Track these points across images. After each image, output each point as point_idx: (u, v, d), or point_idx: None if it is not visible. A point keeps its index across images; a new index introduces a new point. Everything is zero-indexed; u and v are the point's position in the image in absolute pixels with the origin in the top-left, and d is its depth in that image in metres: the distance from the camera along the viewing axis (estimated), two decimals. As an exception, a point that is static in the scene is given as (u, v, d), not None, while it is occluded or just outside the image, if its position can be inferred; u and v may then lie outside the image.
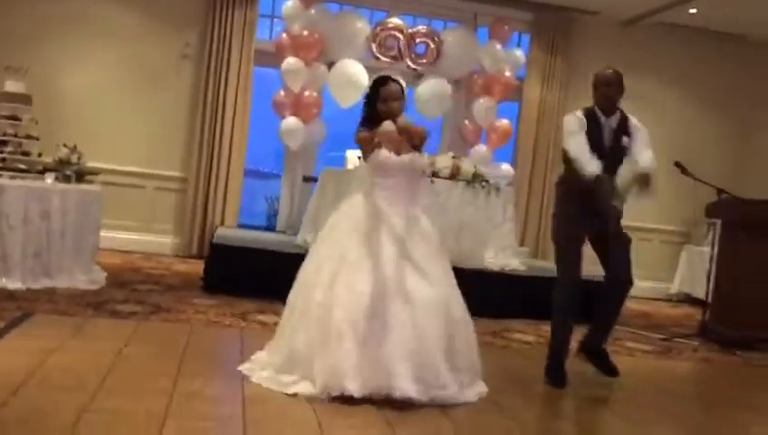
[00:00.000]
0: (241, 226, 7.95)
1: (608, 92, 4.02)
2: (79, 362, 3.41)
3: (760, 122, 8.83)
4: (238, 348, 3.93)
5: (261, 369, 3.42)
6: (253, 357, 3.59)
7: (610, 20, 8.33)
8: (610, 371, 4.20)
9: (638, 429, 3.51)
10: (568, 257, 4.09)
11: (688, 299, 8.36)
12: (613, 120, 4.04)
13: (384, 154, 3.63)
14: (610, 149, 3.99)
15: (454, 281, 3.67)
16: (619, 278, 4.13)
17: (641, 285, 8.38)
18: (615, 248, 4.13)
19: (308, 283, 3.47)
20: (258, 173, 8.77)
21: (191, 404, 3.01)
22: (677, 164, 6.08)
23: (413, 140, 3.68)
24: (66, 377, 3.15)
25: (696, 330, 5.97)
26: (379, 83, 3.74)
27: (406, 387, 3.19)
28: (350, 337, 3.22)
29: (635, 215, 8.34)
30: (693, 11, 7.79)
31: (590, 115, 4.05)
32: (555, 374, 4.02)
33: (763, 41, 8.59)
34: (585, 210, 3.99)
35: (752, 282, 5.72)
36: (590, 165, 3.84)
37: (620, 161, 3.95)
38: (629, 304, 7.57)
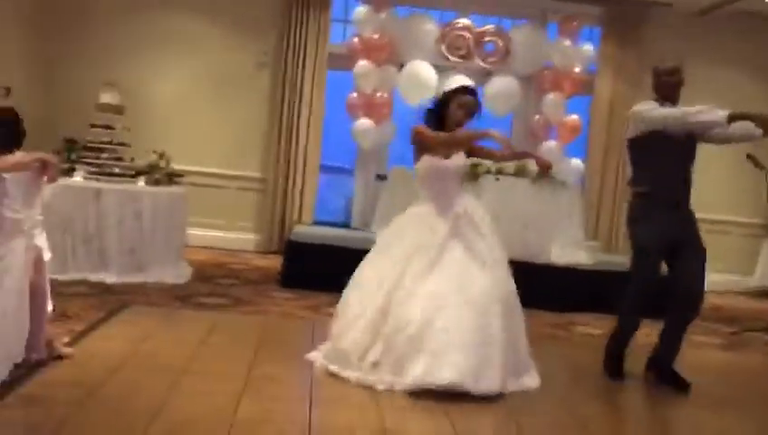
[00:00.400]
0: (318, 222, 8.28)
1: (670, 80, 3.96)
2: (167, 348, 3.80)
3: None
4: (309, 337, 4.22)
5: (324, 357, 3.71)
6: (320, 346, 3.88)
7: (684, 11, 8.22)
8: (682, 387, 3.97)
9: (694, 420, 3.59)
10: (646, 265, 4.00)
11: (768, 293, 8.19)
12: None
13: (433, 160, 3.82)
14: (685, 139, 3.90)
15: (508, 274, 3.83)
16: (691, 293, 4.00)
17: (719, 278, 8.39)
18: (690, 259, 3.99)
19: (365, 286, 3.72)
20: (339, 169, 9.10)
21: (263, 386, 3.33)
22: (750, 156, 6.05)
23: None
24: (156, 361, 3.54)
25: (768, 324, 5.92)
26: (457, 90, 3.88)
27: (483, 384, 3.37)
28: (411, 338, 3.44)
29: (715, 207, 8.31)
30: (769, -1, 7.63)
31: (658, 105, 3.95)
32: (614, 366, 4.05)
33: None
34: (666, 213, 3.93)
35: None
36: (715, 114, 3.68)
37: (694, 149, 3.97)
38: (708, 298, 7.55)
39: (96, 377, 3.20)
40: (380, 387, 3.40)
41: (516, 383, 3.65)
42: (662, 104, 3.95)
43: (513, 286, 3.84)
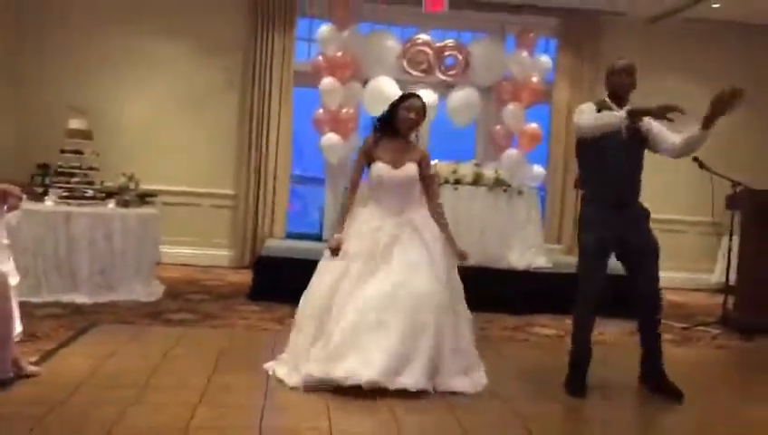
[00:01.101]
0: (293, 235, 8.48)
1: (619, 80, 4.01)
2: (131, 364, 3.98)
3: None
4: (271, 348, 4.41)
5: (280, 366, 3.93)
6: (278, 356, 4.08)
7: (636, 20, 8.52)
8: (673, 396, 3.99)
9: (622, 412, 3.82)
10: (589, 265, 4.05)
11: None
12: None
13: (381, 168, 4.07)
14: (628, 140, 3.93)
15: (455, 278, 4.06)
16: (648, 295, 4.09)
17: (681, 277, 8.67)
18: (642, 261, 4.06)
19: (314, 291, 3.96)
20: (315, 180, 9.35)
21: (220, 395, 3.53)
22: (695, 159, 6.29)
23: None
24: (118, 377, 3.73)
25: (719, 319, 6.16)
26: (403, 98, 4.18)
27: (402, 380, 3.61)
28: (350, 337, 3.67)
29: (672, 207, 8.60)
30: (716, 5, 7.93)
31: (601, 105, 4.04)
32: (575, 386, 4.00)
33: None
34: (609, 216, 3.98)
35: (771, 270, 5.88)
36: (613, 115, 3.82)
37: (640, 151, 4.04)
38: (666, 295, 7.80)
39: (59, 394, 3.38)
40: (316, 375, 3.63)
41: (465, 381, 3.86)
42: (609, 104, 4.00)
43: (459, 291, 4.06)
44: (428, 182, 4.19)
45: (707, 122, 3.80)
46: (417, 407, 3.54)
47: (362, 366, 3.60)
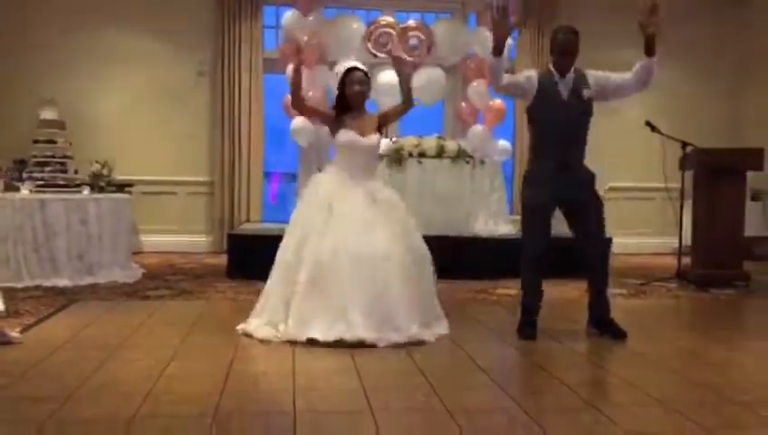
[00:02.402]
0: (268, 221, 8.68)
1: (564, 55, 4.16)
2: (109, 331, 4.20)
3: (748, 80, 9.19)
4: (245, 315, 4.63)
5: (248, 323, 4.17)
6: (249, 319, 4.30)
7: (593, -3, 8.79)
8: (616, 335, 4.24)
9: (568, 349, 4.07)
10: (533, 226, 4.27)
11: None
12: (569, 77, 4.18)
13: (351, 135, 4.30)
14: (568, 104, 4.17)
15: (417, 239, 4.30)
16: (589, 250, 4.27)
17: (645, 241, 8.96)
18: (584, 217, 4.25)
19: (280, 254, 4.20)
20: (292, 175, 9.59)
21: (193, 352, 3.77)
22: (648, 123, 6.59)
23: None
24: (95, 341, 3.94)
25: (674, 274, 6.45)
26: (345, 72, 4.38)
27: (362, 332, 3.84)
28: (313, 292, 3.91)
29: (636, 174, 8.90)
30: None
31: (545, 74, 4.23)
32: (526, 330, 4.24)
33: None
34: (552, 174, 4.17)
35: (723, 225, 6.17)
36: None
37: (585, 113, 4.21)
38: (632, 260, 8.10)
39: (41, 353, 3.61)
40: (295, 339, 3.88)
41: (424, 332, 4.09)
42: (553, 74, 4.16)
43: (424, 251, 4.30)
44: (393, 109, 4.56)
45: (648, 48, 4.13)
46: (376, 352, 3.78)
47: (345, 326, 3.84)
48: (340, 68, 4.49)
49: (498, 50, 4.05)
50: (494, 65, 4.12)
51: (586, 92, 4.19)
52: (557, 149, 4.22)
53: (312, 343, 3.85)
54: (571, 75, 4.20)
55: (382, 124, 4.49)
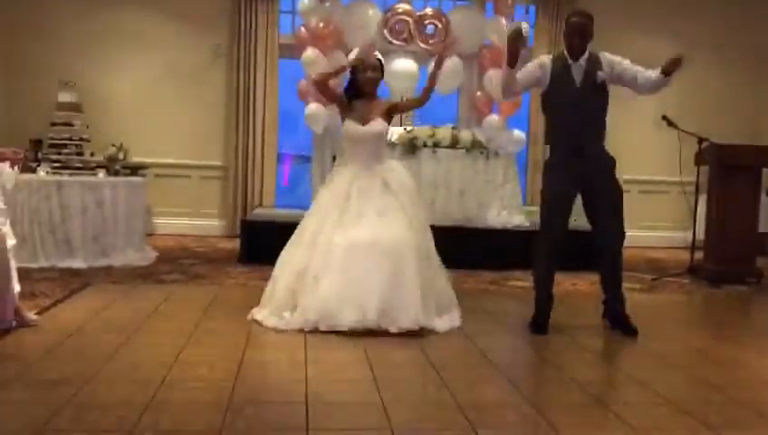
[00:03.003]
0: (282, 206, 8.72)
1: (577, 39, 4.13)
2: (123, 315, 4.26)
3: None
4: (257, 301, 4.68)
5: (258, 311, 4.22)
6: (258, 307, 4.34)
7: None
8: (627, 332, 4.23)
9: (580, 344, 4.09)
10: (549, 214, 4.23)
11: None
12: (582, 61, 4.15)
13: (351, 125, 4.32)
14: (582, 89, 4.15)
15: (425, 224, 4.32)
16: (605, 245, 4.24)
17: (663, 235, 8.94)
18: (602, 209, 4.20)
19: (293, 243, 4.24)
20: (306, 157, 9.60)
21: (206, 337, 3.81)
22: (664, 117, 6.55)
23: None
24: (110, 325, 4.00)
25: (687, 270, 6.44)
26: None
27: (374, 320, 3.87)
28: (326, 280, 3.94)
29: (650, 168, 8.85)
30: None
31: (558, 58, 4.23)
32: (538, 324, 4.24)
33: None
34: (569, 160, 4.16)
35: (737, 220, 6.15)
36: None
37: (600, 97, 4.17)
38: (646, 253, 8.09)
39: (58, 337, 3.67)
40: (306, 328, 3.91)
41: (437, 322, 4.13)
42: (566, 57, 4.15)
43: (430, 242, 4.32)
44: (407, 102, 4.79)
45: (666, 72, 4.13)
46: (388, 343, 3.81)
47: (358, 314, 3.86)
48: (354, 53, 4.50)
49: (512, 64, 4.10)
50: (507, 75, 4.16)
51: (600, 75, 4.15)
52: (573, 135, 4.20)
53: (323, 331, 3.89)
54: (584, 58, 4.16)
55: (392, 112, 4.51)
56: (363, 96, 4.41)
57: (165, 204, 8.35)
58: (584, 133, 4.22)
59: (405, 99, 4.85)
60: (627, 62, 4.26)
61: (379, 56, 4.47)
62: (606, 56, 4.22)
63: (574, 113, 4.19)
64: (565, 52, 4.22)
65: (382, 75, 4.48)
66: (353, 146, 4.39)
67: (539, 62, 4.29)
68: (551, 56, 4.37)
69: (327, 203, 4.24)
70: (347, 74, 4.52)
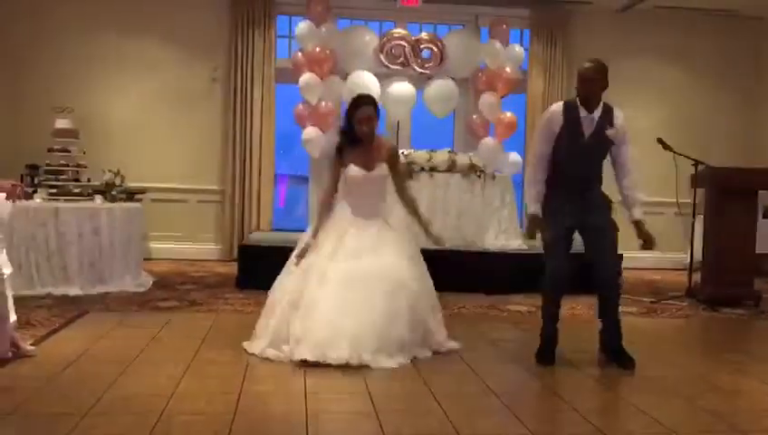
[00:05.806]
0: (279, 229, 8.70)
1: (586, 90, 4.08)
2: (120, 344, 4.23)
3: (763, 93, 9.17)
4: (253, 329, 4.64)
5: (252, 343, 4.19)
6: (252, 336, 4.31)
7: (603, 9, 8.80)
8: (624, 365, 4.16)
9: (581, 374, 4.07)
10: (552, 251, 4.22)
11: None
12: (596, 114, 4.10)
13: (356, 171, 4.29)
14: (588, 145, 4.11)
15: (419, 255, 4.34)
16: (601, 279, 4.21)
17: (660, 257, 8.93)
18: (598, 244, 4.20)
19: (285, 277, 4.26)
20: (302, 178, 9.61)
21: (205, 367, 3.78)
22: (659, 140, 6.58)
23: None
24: (108, 355, 3.97)
25: (685, 293, 6.44)
26: (353, 106, 4.30)
27: (367, 355, 3.85)
28: (317, 314, 3.93)
29: (647, 189, 8.86)
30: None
31: (571, 107, 4.14)
32: (545, 357, 4.20)
33: (755, 14, 8.94)
34: (569, 202, 4.14)
35: (734, 243, 6.16)
36: (532, 194, 4.18)
37: (604, 150, 4.14)
38: (642, 275, 8.09)
39: (55, 368, 3.64)
40: (296, 358, 3.87)
41: (425, 352, 4.14)
42: (578, 107, 4.09)
43: (425, 269, 4.32)
44: (400, 178, 4.47)
45: (634, 223, 4.24)
46: (387, 373, 3.79)
47: (350, 348, 3.82)
48: (349, 88, 4.47)
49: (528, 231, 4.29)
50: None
51: (610, 133, 4.13)
52: (576, 181, 4.19)
53: (319, 365, 3.85)
54: (598, 112, 4.12)
55: (390, 166, 4.40)
56: (358, 144, 4.32)
57: (162, 228, 8.34)
58: (587, 180, 4.24)
59: (404, 154, 4.71)
60: (627, 146, 4.22)
61: (374, 99, 4.42)
62: (619, 117, 4.17)
63: (580, 164, 4.17)
64: (578, 100, 4.15)
65: (378, 120, 4.35)
66: (358, 192, 4.34)
67: (548, 117, 4.20)
68: (561, 104, 4.23)
69: (322, 239, 4.23)
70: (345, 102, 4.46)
